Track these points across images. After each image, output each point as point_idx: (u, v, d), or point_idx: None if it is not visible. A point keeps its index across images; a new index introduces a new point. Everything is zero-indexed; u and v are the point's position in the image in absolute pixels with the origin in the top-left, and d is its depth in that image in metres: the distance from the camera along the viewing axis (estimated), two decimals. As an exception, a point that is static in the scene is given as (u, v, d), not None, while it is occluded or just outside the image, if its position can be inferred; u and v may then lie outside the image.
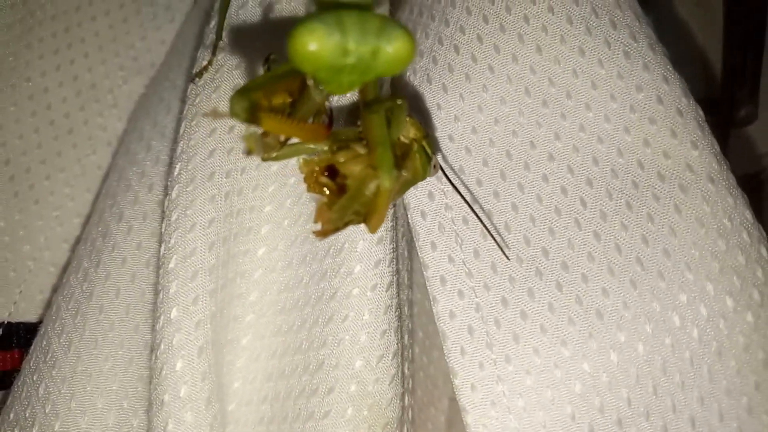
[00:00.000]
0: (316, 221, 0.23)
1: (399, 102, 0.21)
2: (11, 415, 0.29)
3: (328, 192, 0.23)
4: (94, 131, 0.37)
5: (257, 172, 0.31)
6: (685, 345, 0.25)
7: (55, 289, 0.36)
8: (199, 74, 0.31)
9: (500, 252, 0.27)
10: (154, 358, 0.27)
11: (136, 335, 0.30)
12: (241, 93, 0.20)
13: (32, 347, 0.31)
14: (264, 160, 0.23)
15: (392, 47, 0.18)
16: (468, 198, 0.28)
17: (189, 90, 0.31)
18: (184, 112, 0.31)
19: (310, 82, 0.20)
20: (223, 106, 0.30)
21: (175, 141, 0.33)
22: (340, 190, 0.23)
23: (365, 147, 0.22)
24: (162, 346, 0.27)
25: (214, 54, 0.31)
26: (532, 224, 0.28)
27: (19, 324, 0.35)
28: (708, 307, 0.26)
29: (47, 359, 0.30)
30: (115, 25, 0.39)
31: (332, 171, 0.23)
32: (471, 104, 0.29)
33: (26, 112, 0.36)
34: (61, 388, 0.29)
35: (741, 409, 0.25)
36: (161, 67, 0.37)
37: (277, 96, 0.21)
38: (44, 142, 0.37)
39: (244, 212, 0.30)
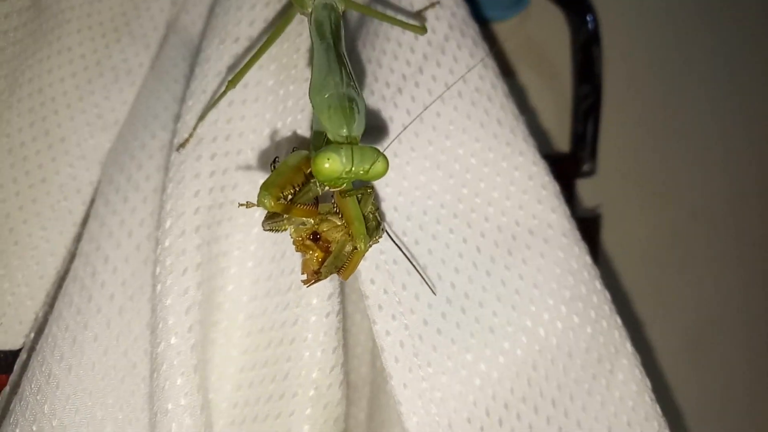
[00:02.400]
0: (302, 272, 0.32)
1: (369, 190, 0.30)
2: (17, 430, 0.35)
3: (312, 252, 0.32)
4: (64, 180, 0.42)
5: (229, 224, 0.38)
6: (547, 349, 0.37)
7: (35, 320, 0.41)
8: (183, 145, 0.38)
9: (421, 285, 0.37)
10: (157, 374, 0.34)
11: (125, 358, 0.37)
12: (265, 189, 0.28)
13: (30, 372, 0.36)
14: (265, 230, 0.31)
15: (376, 168, 0.28)
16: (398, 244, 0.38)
17: (173, 157, 0.38)
18: (170, 174, 0.38)
19: (314, 181, 0.29)
20: (205, 174, 0.37)
21: (145, 193, 0.40)
22: (321, 249, 0.32)
23: (340, 219, 0.31)
24: (164, 366, 0.34)
25: (194, 129, 0.38)
26: (443, 264, 0.38)
27: (0, 352, 0.39)
28: (562, 322, 0.37)
29: (50, 381, 0.35)
30: (80, 86, 0.44)
31: (315, 237, 0.31)
32: (398, 176, 0.39)
33: (6, 164, 0.41)
34: (65, 405, 0.35)
35: (584, 392, 0.37)
36: (127, 125, 0.43)
37: (286, 188, 0.30)
38: (21, 190, 0.41)
39: (219, 257, 0.38)
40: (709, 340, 0.54)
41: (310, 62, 0.33)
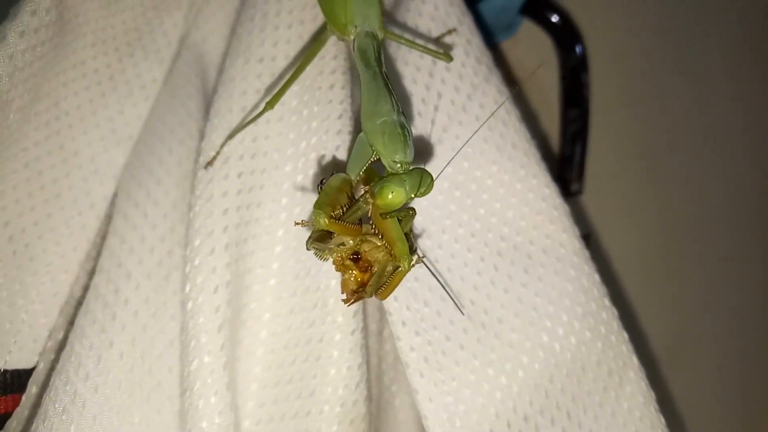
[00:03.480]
0: (342, 292, 0.33)
1: (411, 212, 0.32)
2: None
3: (351, 271, 0.33)
4: (78, 195, 0.42)
5: (254, 242, 0.39)
6: (563, 363, 0.39)
7: (48, 338, 0.40)
8: (210, 163, 0.38)
9: (442, 302, 0.39)
10: (190, 393, 0.34)
11: (150, 376, 0.37)
12: (319, 208, 0.29)
13: (53, 392, 0.35)
14: (309, 249, 0.32)
15: (426, 188, 0.29)
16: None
17: (200, 175, 0.38)
18: (197, 192, 0.38)
19: (363, 199, 0.30)
20: (232, 192, 0.38)
21: (165, 209, 0.40)
22: (360, 269, 0.33)
23: (380, 239, 0.32)
24: (197, 384, 0.34)
25: (221, 147, 0.39)
26: (462, 282, 0.40)
27: (14, 371, 0.39)
28: (575, 337, 0.39)
29: (75, 401, 0.35)
30: (94, 100, 0.44)
31: (356, 257, 0.32)
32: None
33: (22, 178, 0.40)
34: (92, 425, 0.35)
35: (596, 404, 0.39)
36: (142, 141, 0.43)
37: (336, 208, 0.31)
38: (36, 205, 0.41)
39: (244, 274, 0.38)
40: (689, 351, 0.57)
41: (358, 87, 0.34)
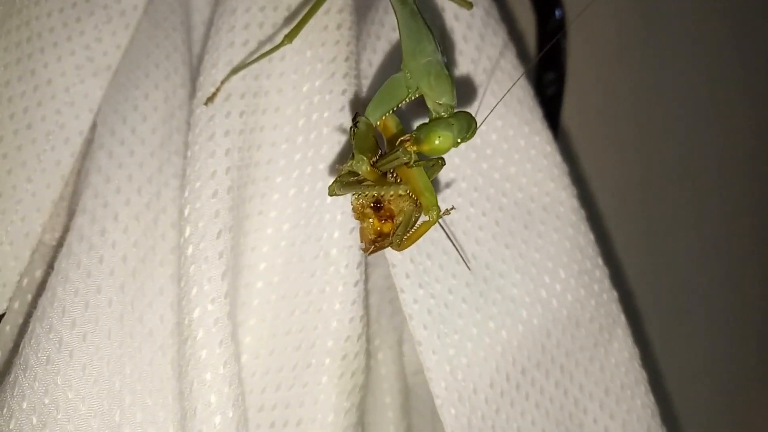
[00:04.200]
0: (361, 240, 0.32)
1: (441, 161, 0.31)
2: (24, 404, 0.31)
3: (370, 220, 0.31)
4: (51, 127, 0.38)
5: (253, 187, 0.37)
6: (559, 319, 0.40)
7: (18, 282, 0.37)
8: (211, 99, 0.36)
9: (444, 255, 0.38)
10: (192, 343, 0.32)
11: (140, 325, 0.34)
12: (360, 153, 0.28)
13: (34, 341, 0.32)
14: (330, 195, 0.30)
15: (471, 133, 0.28)
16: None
17: (198, 112, 0.36)
18: (197, 129, 0.35)
19: (402, 150, 0.28)
20: (235, 131, 0.35)
21: (152, 147, 0.37)
22: (380, 218, 0.31)
23: (404, 189, 0.31)
24: (200, 333, 0.32)
25: (222, 83, 0.36)
26: (465, 236, 0.40)
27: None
28: (572, 294, 0.40)
29: (61, 349, 0.32)
30: (69, 24, 0.39)
31: (377, 205, 0.31)
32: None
33: (-10, 104, 0.36)
34: (82, 375, 0.32)
35: (587, 359, 0.40)
36: (124, 73, 0.39)
37: (373, 153, 0.29)
38: (5, 135, 0.37)
39: (243, 220, 0.36)
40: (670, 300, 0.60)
41: (398, 27, 0.32)
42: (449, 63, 0.30)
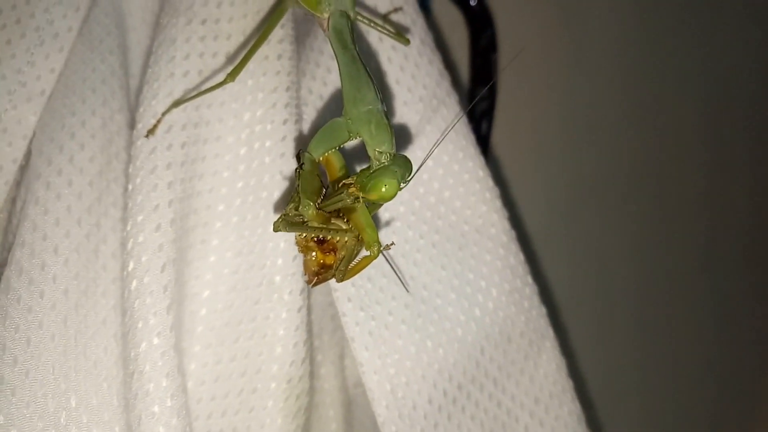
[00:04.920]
0: (305, 273, 0.33)
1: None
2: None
3: (313, 253, 0.33)
4: (-18, 155, 0.37)
5: (195, 217, 0.37)
6: (491, 336, 0.42)
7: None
8: (152, 131, 0.36)
9: (384, 278, 0.40)
10: (139, 377, 0.33)
11: (84, 357, 0.35)
12: (308, 198, 0.29)
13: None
14: (275, 231, 0.31)
15: (410, 176, 0.30)
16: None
17: (139, 144, 0.36)
18: (138, 163, 0.35)
19: (347, 193, 0.30)
20: (177, 164, 0.36)
21: (90, 176, 0.37)
22: (322, 251, 0.33)
23: (346, 223, 0.32)
24: (147, 367, 0.33)
25: (163, 114, 0.36)
26: (403, 259, 0.41)
27: None
28: (503, 311, 0.43)
29: (2, 387, 0.32)
30: (-1, 47, 0.38)
31: (320, 239, 0.32)
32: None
33: None
34: (24, 412, 0.32)
35: (518, 371, 0.43)
36: (59, 98, 0.39)
37: (317, 195, 0.30)
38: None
39: (187, 250, 0.37)
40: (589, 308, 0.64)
41: (339, 64, 0.33)
42: (388, 111, 0.31)
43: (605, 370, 0.63)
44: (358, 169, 0.33)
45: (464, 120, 0.44)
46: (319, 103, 0.42)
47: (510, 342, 0.43)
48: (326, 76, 0.42)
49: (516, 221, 0.45)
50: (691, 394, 0.77)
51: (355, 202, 0.31)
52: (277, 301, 0.38)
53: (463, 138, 0.43)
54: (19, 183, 0.38)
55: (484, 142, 0.65)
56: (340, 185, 0.31)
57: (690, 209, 0.79)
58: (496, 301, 0.42)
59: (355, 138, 0.32)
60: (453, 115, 0.43)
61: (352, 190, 0.31)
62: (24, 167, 0.38)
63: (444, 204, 0.43)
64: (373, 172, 0.30)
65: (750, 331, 0.86)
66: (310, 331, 0.44)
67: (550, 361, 0.44)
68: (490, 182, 0.44)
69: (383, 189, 0.30)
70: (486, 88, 0.61)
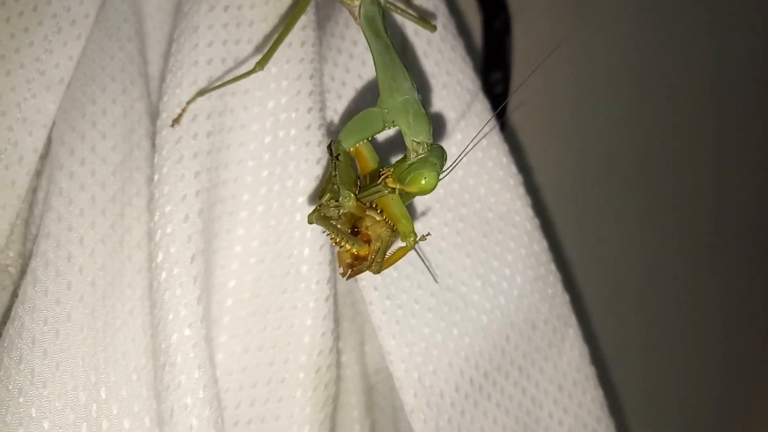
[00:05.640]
0: (339, 265, 0.33)
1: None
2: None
3: (348, 246, 0.32)
4: (3, 146, 0.36)
5: (221, 206, 0.37)
6: (516, 323, 0.42)
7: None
8: (177, 120, 0.35)
9: (410, 267, 0.40)
10: (171, 368, 0.32)
11: (112, 349, 0.34)
12: (347, 189, 0.29)
13: (3, 372, 0.32)
14: (309, 223, 0.31)
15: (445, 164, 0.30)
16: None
17: (164, 134, 0.35)
18: (164, 152, 0.35)
19: (383, 184, 0.29)
20: (203, 153, 0.35)
21: (113, 166, 0.37)
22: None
23: (379, 215, 0.32)
24: (179, 358, 0.32)
25: (188, 104, 0.35)
26: (428, 247, 0.41)
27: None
28: (527, 299, 0.43)
29: (34, 380, 0.32)
30: (16, 35, 0.38)
31: (354, 231, 0.32)
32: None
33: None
34: (56, 404, 0.32)
35: (542, 358, 0.43)
36: (78, 86, 0.38)
37: (354, 186, 0.30)
38: (-42, 159, 0.35)
39: (213, 239, 0.36)
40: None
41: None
42: (424, 100, 0.31)
43: (629, 355, 0.64)
44: (389, 159, 0.32)
45: (488, 107, 0.43)
46: (342, 90, 0.41)
47: (534, 329, 0.43)
48: (348, 62, 0.42)
49: (539, 207, 0.44)
50: (702, 377, 0.77)
51: (391, 193, 0.31)
52: (304, 291, 0.37)
53: (488, 127, 0.43)
54: (39, 173, 0.38)
55: (501, 127, 0.65)
56: (378, 176, 0.31)
57: (701, 193, 0.78)
58: (520, 288, 0.42)
59: (390, 128, 0.32)
60: (477, 101, 0.43)
61: (389, 181, 0.30)
62: (44, 157, 0.38)
63: (468, 191, 0.43)
64: (412, 164, 0.30)
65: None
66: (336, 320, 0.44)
67: (573, 348, 0.44)
68: (514, 169, 0.44)
69: (423, 181, 0.29)
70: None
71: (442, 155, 0.30)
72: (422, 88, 0.41)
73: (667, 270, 0.73)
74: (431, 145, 0.30)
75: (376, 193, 0.31)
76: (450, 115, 0.42)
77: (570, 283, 0.46)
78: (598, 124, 0.69)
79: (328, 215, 0.31)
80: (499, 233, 0.43)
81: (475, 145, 0.38)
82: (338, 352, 0.46)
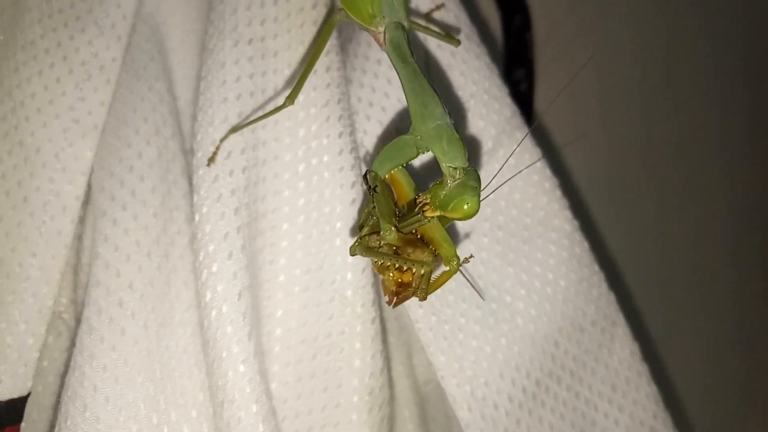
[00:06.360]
0: (384, 293, 0.33)
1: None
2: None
3: (391, 273, 0.32)
4: (47, 197, 0.37)
5: (261, 239, 0.37)
6: (564, 328, 0.42)
7: (38, 359, 0.37)
8: (212, 159, 0.36)
9: (453, 282, 0.40)
10: (230, 405, 0.33)
11: (169, 388, 0.35)
12: (388, 223, 0.29)
13: (67, 391, 0.33)
14: (352, 255, 0.31)
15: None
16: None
17: (201, 173, 0.36)
18: (202, 192, 0.35)
19: (422, 213, 0.29)
20: (240, 189, 0.36)
21: (154, 208, 0.37)
22: (399, 270, 0.32)
23: (420, 240, 0.32)
24: (236, 395, 0.33)
25: (221, 141, 0.36)
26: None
27: (8, 402, 0.35)
28: (572, 303, 0.42)
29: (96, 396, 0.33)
30: (50, 87, 0.38)
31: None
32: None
33: (-15, 186, 0.35)
34: (118, 418, 0.33)
35: (592, 360, 0.43)
36: (112, 131, 0.39)
37: (393, 218, 0.30)
38: (4, 214, 0.36)
39: (257, 272, 0.37)
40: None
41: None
42: (456, 123, 0.31)
43: (681, 349, 0.63)
44: (425, 182, 0.32)
45: (517, 112, 0.43)
46: (369, 111, 0.41)
47: (582, 332, 0.42)
48: (373, 82, 0.41)
49: (577, 208, 0.44)
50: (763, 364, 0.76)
51: (431, 221, 0.31)
52: (350, 315, 0.38)
53: (517, 130, 0.43)
54: (83, 219, 0.39)
55: (529, 125, 0.64)
56: (416, 204, 0.31)
57: (748, 177, 0.76)
58: (565, 292, 0.42)
59: (423, 153, 0.32)
60: (506, 108, 0.43)
61: (427, 209, 0.30)
62: (86, 203, 0.39)
63: (504, 198, 0.43)
64: (451, 190, 0.30)
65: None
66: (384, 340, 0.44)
67: (623, 347, 0.44)
68: (548, 172, 0.43)
69: (465, 207, 0.29)
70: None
71: (478, 177, 0.30)
72: (449, 100, 0.41)
73: (718, 257, 0.72)
74: (467, 168, 0.30)
75: (416, 223, 0.31)
76: (479, 124, 0.42)
77: (616, 281, 0.45)
78: (630, 116, 0.68)
79: (370, 246, 0.31)
80: (539, 238, 0.42)
81: (511, 155, 0.38)
82: (389, 370, 0.46)
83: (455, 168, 0.30)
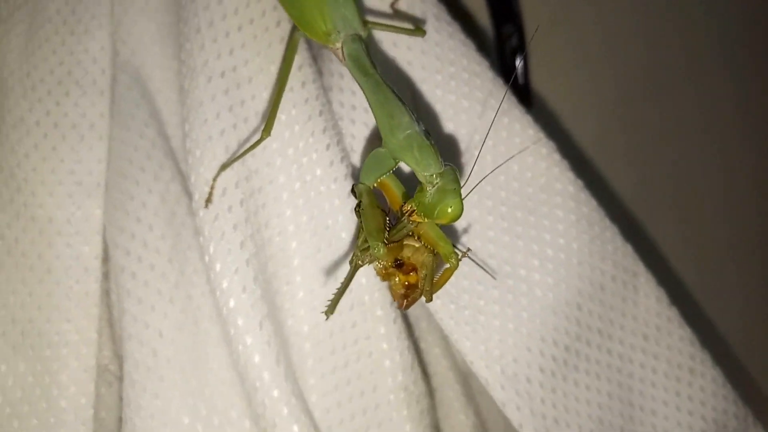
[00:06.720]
0: (394, 299, 0.34)
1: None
2: None
3: (396, 278, 0.33)
4: (68, 263, 0.39)
5: (273, 263, 0.38)
6: (584, 290, 0.42)
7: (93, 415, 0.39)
8: (209, 199, 0.37)
9: (466, 266, 0.41)
10: (263, 412, 0.35)
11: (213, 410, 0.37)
12: (375, 239, 0.29)
13: None
14: (361, 265, 0.32)
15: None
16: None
17: (201, 215, 0.37)
18: (206, 233, 0.37)
19: (407, 219, 0.30)
20: (241, 223, 0.37)
21: (167, 255, 0.39)
22: (404, 273, 0.33)
23: (418, 241, 0.33)
24: (276, 419, 0.35)
25: (214, 180, 0.37)
26: (479, 241, 0.41)
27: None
28: (589, 263, 0.42)
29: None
30: (47, 157, 0.40)
31: (398, 263, 0.33)
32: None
33: (9, 266, 0.37)
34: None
35: (619, 314, 0.43)
36: (114, 187, 0.40)
37: (383, 231, 0.31)
38: (33, 289, 0.38)
39: (275, 296, 0.38)
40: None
41: (365, 91, 0.33)
42: (428, 128, 0.31)
43: (713, 284, 0.62)
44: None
45: (500, 82, 0.43)
46: (353, 114, 0.41)
47: (604, 290, 0.43)
48: (352, 84, 0.41)
49: (581, 168, 0.43)
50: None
51: (419, 226, 0.32)
52: (372, 320, 0.39)
53: (504, 102, 0.42)
54: (106, 274, 0.41)
55: (525, 79, 0.63)
56: (402, 216, 0.31)
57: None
58: (579, 254, 0.42)
59: (400, 163, 0.32)
60: (488, 82, 0.42)
61: (413, 217, 0.31)
62: (105, 259, 0.40)
63: (502, 173, 0.42)
64: (432, 196, 0.30)
65: None
66: (409, 328, 0.45)
67: (648, 296, 0.44)
68: (543, 137, 0.43)
69: (449, 210, 0.30)
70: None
71: (456, 177, 0.30)
72: (429, 89, 0.41)
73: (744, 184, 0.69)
74: (443, 171, 0.30)
75: (403, 229, 0.31)
76: (463, 104, 0.42)
77: (635, 230, 0.45)
78: (627, 62, 0.65)
79: (364, 261, 0.32)
80: (544, 206, 0.42)
81: (480, 121, 0.38)
82: (420, 353, 0.48)
83: (431, 174, 0.30)
